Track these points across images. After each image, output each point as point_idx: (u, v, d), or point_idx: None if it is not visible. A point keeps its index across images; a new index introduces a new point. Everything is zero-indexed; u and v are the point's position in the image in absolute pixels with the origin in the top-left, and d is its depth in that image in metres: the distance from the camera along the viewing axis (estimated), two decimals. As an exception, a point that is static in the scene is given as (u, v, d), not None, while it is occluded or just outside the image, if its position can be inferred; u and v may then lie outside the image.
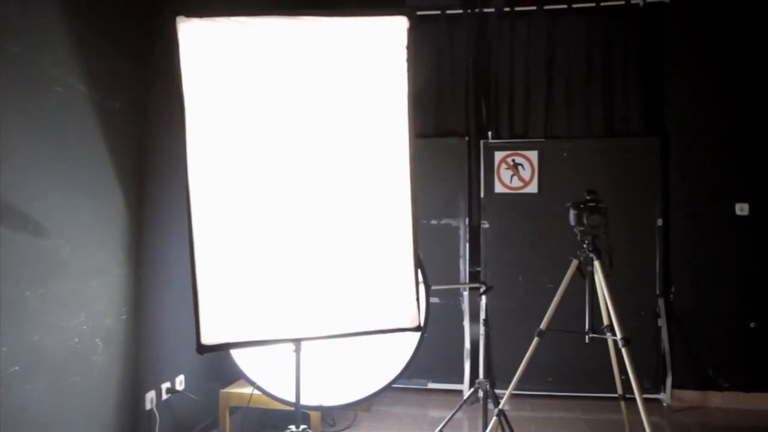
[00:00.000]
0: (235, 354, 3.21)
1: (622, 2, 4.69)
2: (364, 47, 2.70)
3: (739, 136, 4.50)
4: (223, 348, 2.61)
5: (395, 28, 2.73)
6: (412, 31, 2.74)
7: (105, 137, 2.73)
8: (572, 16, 4.74)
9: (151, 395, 3.08)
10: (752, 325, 4.46)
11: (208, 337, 2.51)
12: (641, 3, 4.65)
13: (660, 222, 4.60)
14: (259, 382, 3.23)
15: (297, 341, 2.68)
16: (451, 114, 4.91)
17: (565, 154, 4.71)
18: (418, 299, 2.78)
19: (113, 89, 2.79)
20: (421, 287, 3.16)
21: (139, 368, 3.00)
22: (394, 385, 3.41)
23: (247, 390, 3.33)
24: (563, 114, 4.79)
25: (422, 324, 2.91)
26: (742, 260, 4.48)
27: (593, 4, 4.70)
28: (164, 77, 2.97)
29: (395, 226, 2.74)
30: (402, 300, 2.76)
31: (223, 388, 3.60)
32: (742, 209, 4.49)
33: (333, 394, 3.27)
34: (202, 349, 2.51)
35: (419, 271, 3.01)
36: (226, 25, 2.49)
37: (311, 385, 3.04)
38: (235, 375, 3.49)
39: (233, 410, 3.63)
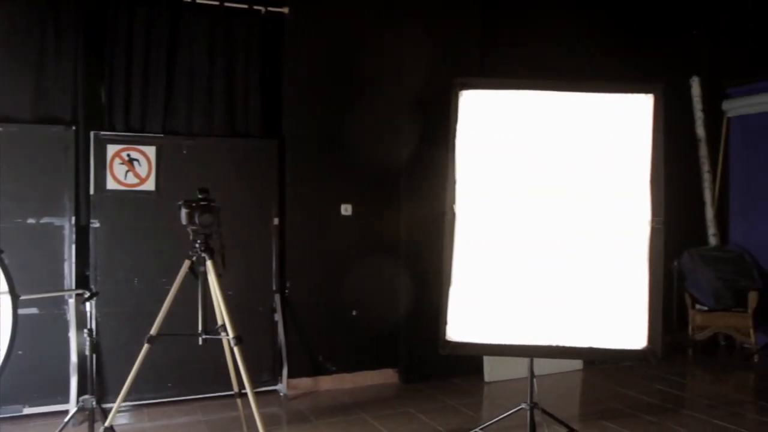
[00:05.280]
0: None
1: (246, 6, 4.75)
2: None
3: (345, 144, 4.98)
4: None
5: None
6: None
7: None
8: (196, 11, 4.62)
9: None
10: (354, 313, 5.00)
11: None
12: (263, 10, 4.79)
13: (276, 221, 4.82)
14: None
15: None
16: (56, 99, 4.32)
17: (184, 152, 4.57)
18: (-6, 313, 2.36)
19: None
20: (6, 297, 2.70)
21: None
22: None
23: None
24: (184, 110, 4.64)
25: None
26: (346, 255, 4.99)
27: (217, 3, 4.66)
28: None
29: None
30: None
31: None
32: (346, 209, 5.01)
33: None
34: None
35: (2, 280, 2.57)
36: None
37: None
38: None
39: None
